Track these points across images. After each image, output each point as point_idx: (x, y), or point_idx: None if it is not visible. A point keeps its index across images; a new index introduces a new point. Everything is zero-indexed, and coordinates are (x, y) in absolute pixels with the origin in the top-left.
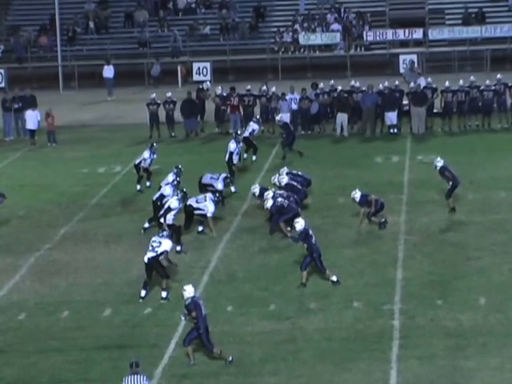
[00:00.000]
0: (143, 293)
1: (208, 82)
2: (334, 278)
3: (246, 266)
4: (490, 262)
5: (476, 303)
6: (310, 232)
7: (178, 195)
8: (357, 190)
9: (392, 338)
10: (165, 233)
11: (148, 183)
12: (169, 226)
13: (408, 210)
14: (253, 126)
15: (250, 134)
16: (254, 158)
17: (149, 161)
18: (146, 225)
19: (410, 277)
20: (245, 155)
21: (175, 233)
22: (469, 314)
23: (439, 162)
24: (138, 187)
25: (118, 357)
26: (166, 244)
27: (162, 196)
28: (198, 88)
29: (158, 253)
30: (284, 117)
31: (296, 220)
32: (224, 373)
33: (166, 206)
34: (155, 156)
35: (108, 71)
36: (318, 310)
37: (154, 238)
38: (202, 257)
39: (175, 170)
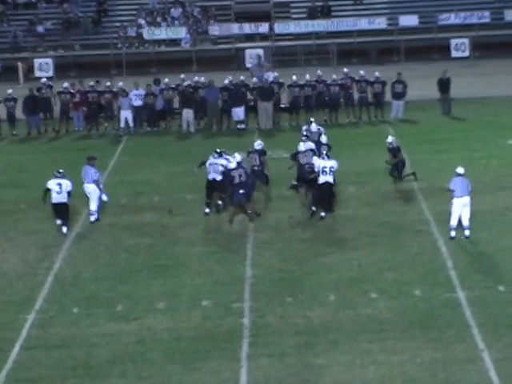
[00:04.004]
0: (207, 210)
1: (44, 79)
2: None
3: (92, 266)
4: (339, 258)
5: (326, 300)
6: None
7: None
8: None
9: (242, 337)
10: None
11: None
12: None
13: (257, 207)
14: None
15: None
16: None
17: None
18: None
19: (260, 274)
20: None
21: None
22: (318, 310)
23: (391, 139)
24: None
25: None
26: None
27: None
28: (38, 87)
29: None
30: (126, 113)
31: None
32: (71, 376)
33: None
34: None
35: None
36: (166, 310)
37: (212, 161)
38: (46, 257)
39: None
